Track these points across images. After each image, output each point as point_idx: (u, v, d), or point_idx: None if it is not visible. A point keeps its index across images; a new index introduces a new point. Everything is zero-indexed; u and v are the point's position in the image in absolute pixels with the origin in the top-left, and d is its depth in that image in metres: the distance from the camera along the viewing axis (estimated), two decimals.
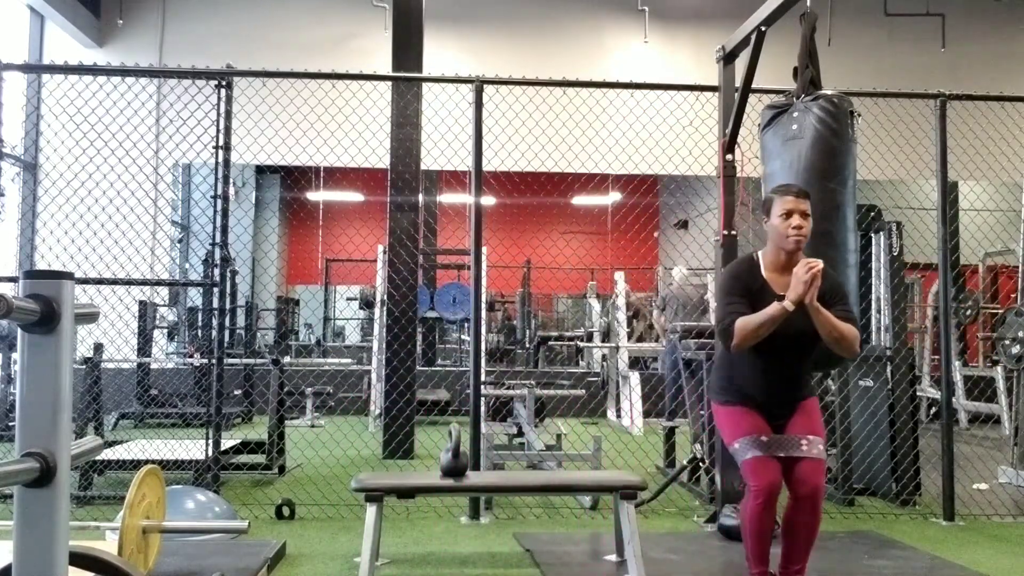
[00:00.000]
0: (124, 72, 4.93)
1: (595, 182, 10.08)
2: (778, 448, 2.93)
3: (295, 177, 11.98)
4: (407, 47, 7.16)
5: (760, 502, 2.87)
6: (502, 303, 13.52)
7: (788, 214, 2.94)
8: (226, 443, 5.26)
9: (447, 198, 13.35)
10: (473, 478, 3.65)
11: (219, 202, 4.66)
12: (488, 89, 4.75)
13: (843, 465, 5.10)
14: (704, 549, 3.98)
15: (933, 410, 9.03)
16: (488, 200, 12.07)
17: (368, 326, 12.26)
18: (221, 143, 4.66)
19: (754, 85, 4.24)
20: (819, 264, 2.79)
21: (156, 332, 10.46)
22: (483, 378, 5.51)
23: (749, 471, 2.92)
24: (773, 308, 2.82)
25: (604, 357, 10.23)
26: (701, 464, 5.02)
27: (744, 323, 2.88)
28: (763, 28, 4.01)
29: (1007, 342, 5.88)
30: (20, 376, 1.37)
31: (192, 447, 5.16)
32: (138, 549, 2.81)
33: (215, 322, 4.97)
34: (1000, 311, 7.24)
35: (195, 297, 12.02)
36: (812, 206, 2.96)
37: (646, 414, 8.62)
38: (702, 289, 8.53)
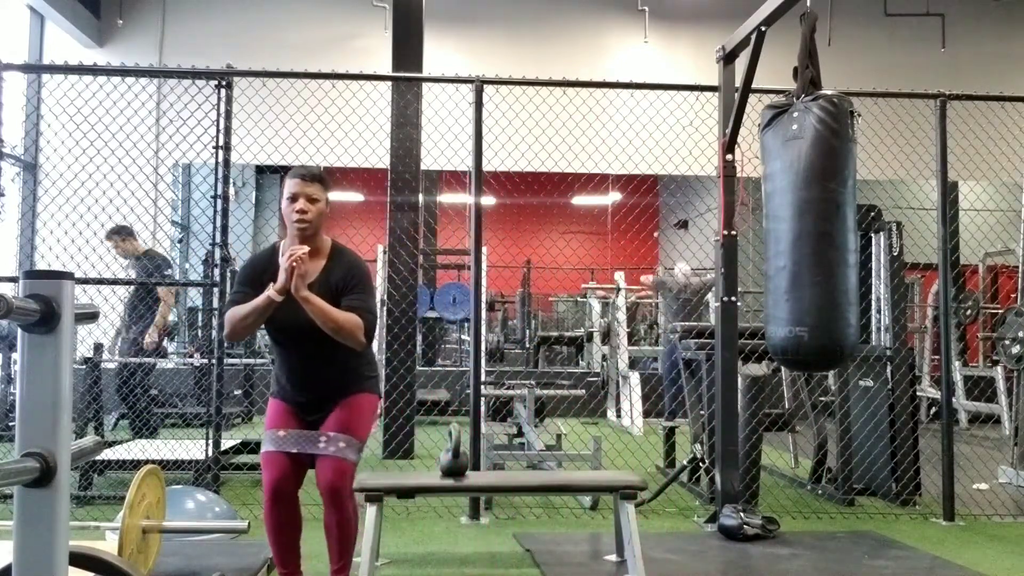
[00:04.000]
0: (124, 72, 4.93)
1: (595, 182, 10.07)
2: (292, 444, 2.84)
3: None
4: (407, 47, 7.16)
5: (266, 498, 2.80)
6: (502, 303, 13.51)
7: (294, 197, 2.88)
8: (226, 443, 5.25)
9: (447, 198, 13.34)
10: (473, 478, 3.65)
11: (219, 202, 4.67)
12: (488, 89, 4.75)
13: (843, 465, 5.10)
14: (704, 549, 3.98)
15: (933, 410, 9.03)
16: (488, 200, 12.06)
17: None
18: (221, 143, 4.66)
19: (754, 85, 4.24)
20: (301, 250, 2.74)
21: None
22: (483, 378, 5.51)
23: (262, 466, 2.86)
24: (260, 298, 2.76)
25: (604, 357, 10.22)
26: (701, 464, 5.02)
27: (234, 312, 2.82)
28: (763, 28, 4.01)
29: (1007, 342, 5.88)
30: (20, 376, 1.37)
31: (192, 447, 5.16)
32: (138, 549, 2.81)
33: (215, 322, 4.96)
34: (1000, 311, 7.24)
35: (195, 297, 12.02)
36: (812, 206, 2.92)
37: (646, 414, 8.62)
38: (701, 287, 8.52)
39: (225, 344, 5.23)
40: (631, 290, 10.17)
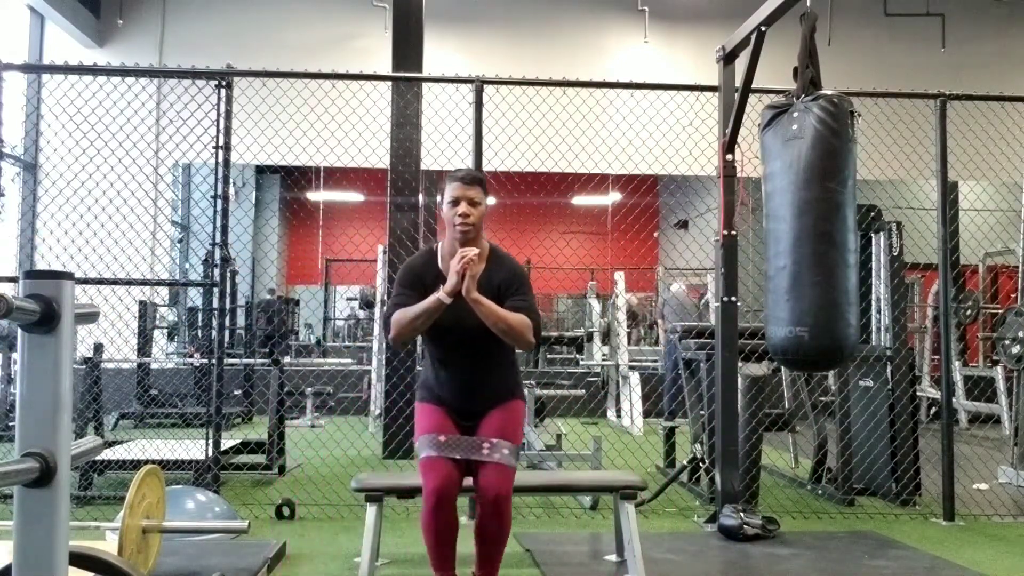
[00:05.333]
0: (124, 72, 4.93)
1: (595, 182, 10.07)
2: (456, 450, 2.77)
3: (295, 177, 11.96)
4: (407, 47, 7.16)
5: (430, 505, 2.70)
6: None
7: (456, 201, 2.83)
8: (226, 443, 5.26)
9: None
10: None
11: (219, 202, 4.66)
12: (488, 89, 4.75)
13: (843, 465, 5.10)
14: (704, 549, 3.98)
15: (933, 410, 9.03)
16: (488, 200, 12.04)
17: (368, 325, 12.25)
18: (221, 143, 4.66)
19: (754, 85, 4.24)
20: (472, 252, 2.68)
21: (156, 332, 10.46)
22: None
23: (420, 472, 2.78)
24: (429, 300, 2.71)
25: (604, 357, 10.22)
26: (701, 464, 5.02)
27: (401, 315, 2.76)
28: (763, 28, 4.01)
29: (1007, 342, 5.88)
30: (20, 376, 1.37)
31: (192, 447, 5.16)
32: (138, 549, 2.81)
33: (215, 322, 4.97)
34: (1000, 311, 7.24)
35: (195, 297, 12.03)
36: (812, 206, 2.91)
37: (646, 414, 8.62)
38: (702, 289, 8.56)
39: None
40: (637, 296, 10.24)
